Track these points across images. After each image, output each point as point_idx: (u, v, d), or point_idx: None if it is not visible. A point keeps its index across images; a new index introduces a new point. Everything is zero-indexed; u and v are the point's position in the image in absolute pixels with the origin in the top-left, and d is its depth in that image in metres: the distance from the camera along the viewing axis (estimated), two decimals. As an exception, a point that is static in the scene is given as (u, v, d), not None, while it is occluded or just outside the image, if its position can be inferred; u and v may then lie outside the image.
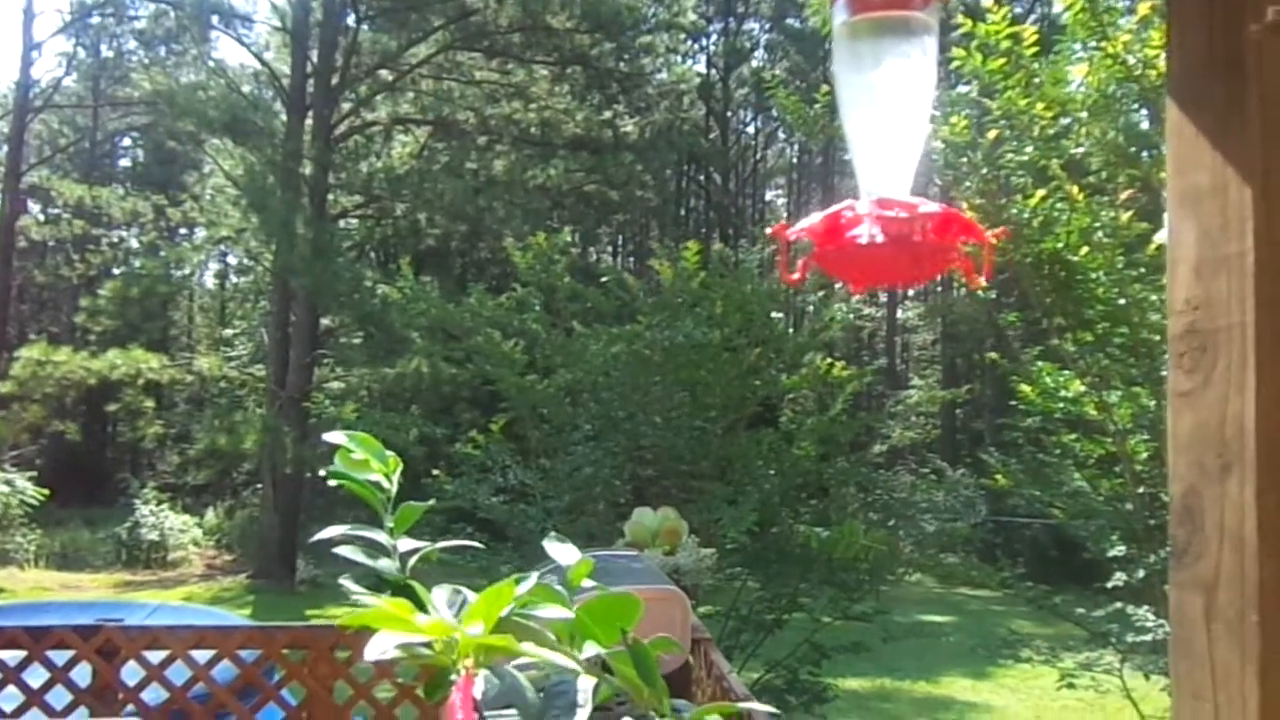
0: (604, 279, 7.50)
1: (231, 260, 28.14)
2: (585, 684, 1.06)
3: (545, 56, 18.80)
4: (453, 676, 0.83)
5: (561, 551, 1.53)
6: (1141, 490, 5.11)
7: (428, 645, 0.82)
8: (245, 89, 19.77)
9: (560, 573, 1.41)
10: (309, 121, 18.01)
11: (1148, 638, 4.55)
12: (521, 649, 0.84)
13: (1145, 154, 4.97)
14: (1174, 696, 0.79)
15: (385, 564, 1.18)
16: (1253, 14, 0.72)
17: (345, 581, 1.10)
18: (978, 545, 17.77)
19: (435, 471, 6.79)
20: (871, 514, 7.62)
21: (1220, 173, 0.75)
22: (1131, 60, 4.21)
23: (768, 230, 0.88)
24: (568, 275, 6.92)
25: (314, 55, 18.09)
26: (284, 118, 18.42)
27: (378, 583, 1.14)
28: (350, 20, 18.58)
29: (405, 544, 1.26)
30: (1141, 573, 4.86)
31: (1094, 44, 4.32)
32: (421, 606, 0.95)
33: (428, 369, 15.70)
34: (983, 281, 0.80)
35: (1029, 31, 4.37)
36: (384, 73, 18.94)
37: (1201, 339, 0.76)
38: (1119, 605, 4.96)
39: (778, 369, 7.24)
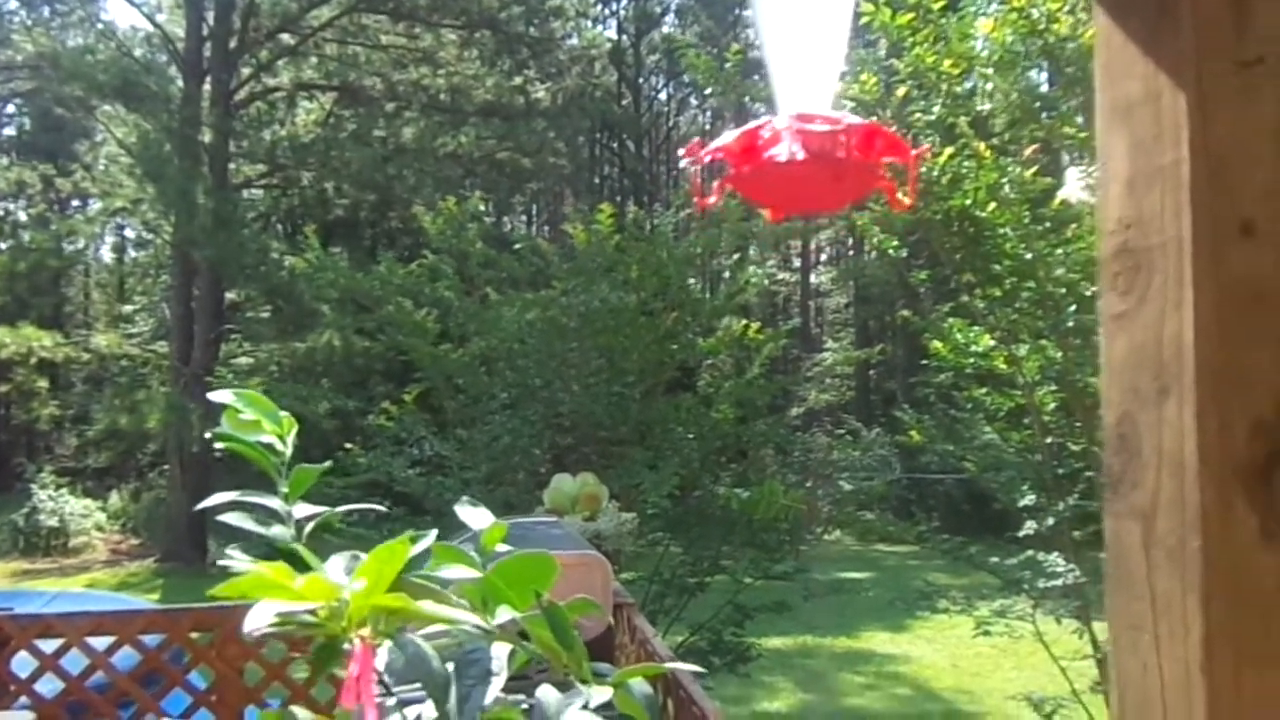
0: (517, 246, 7.37)
1: (129, 233, 27.06)
2: (499, 650, 0.99)
3: (453, 20, 18.39)
4: (346, 646, 0.76)
5: (474, 516, 1.45)
6: (1050, 440, 5.24)
7: (313, 613, 0.75)
8: (137, 52, 18.90)
9: (475, 539, 1.34)
10: (206, 87, 17.33)
11: (1058, 583, 4.67)
12: (419, 609, 0.77)
13: (1044, 114, 5.04)
14: (1111, 629, 0.76)
15: (279, 531, 1.09)
16: (1186, -93, 0.68)
17: (232, 552, 1.02)
18: (893, 502, 18.19)
19: (349, 445, 6.61)
20: (790, 475, 7.69)
21: (1152, 80, 0.71)
22: (1035, 14, 4.25)
23: (680, 151, 0.82)
24: (480, 242, 6.77)
25: (210, 17, 17.37)
26: (180, 83, 17.69)
27: (269, 551, 1.06)
28: (247, -19, 17.90)
29: (301, 510, 1.18)
30: (1051, 520, 4.99)
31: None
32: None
33: (339, 342, 15.35)
34: (907, 202, 0.75)
35: (937, -14, 4.38)
36: (285, 36, 18.30)
37: (1135, 257, 0.72)
38: (1030, 553, 5.09)
39: (694, 333, 7.22)
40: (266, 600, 0.70)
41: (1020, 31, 4.37)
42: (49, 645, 3.07)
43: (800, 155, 0.70)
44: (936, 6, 4.39)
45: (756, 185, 0.74)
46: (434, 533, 0.95)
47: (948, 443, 6.44)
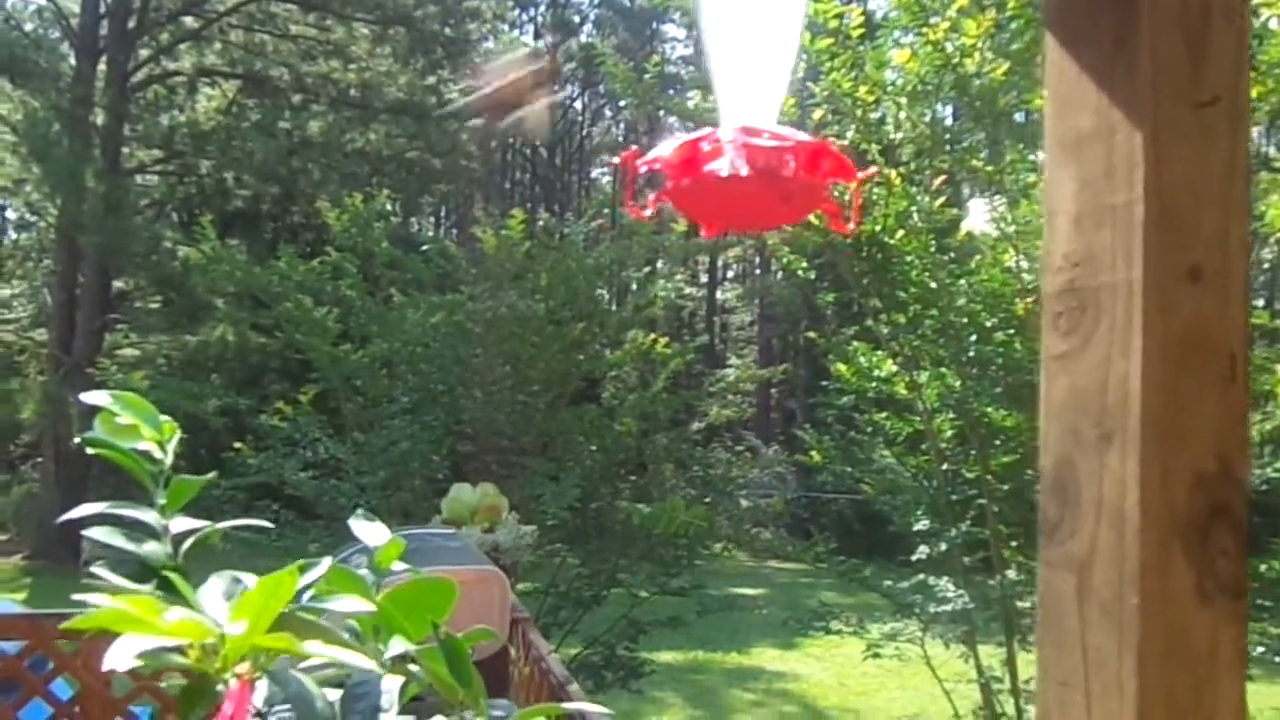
0: (425, 247, 7.22)
1: (10, 214, 25.71)
2: (390, 684, 0.92)
3: (366, 15, 18.00)
4: (220, 687, 0.68)
5: (369, 531, 1.37)
6: (945, 467, 5.34)
7: (181, 651, 0.67)
8: (28, 26, 17.99)
9: (368, 553, 1.25)
10: (101, 67, 16.59)
11: (948, 608, 4.76)
12: (304, 650, 0.70)
13: (950, 146, 5.16)
14: (1039, 681, 0.73)
15: (153, 548, 1.00)
16: (1146, -59, 0.66)
17: (99, 569, 0.92)
18: (787, 520, 18.43)
19: (238, 445, 6.35)
20: (690, 490, 7.69)
21: (1106, 115, 0.69)
22: (949, 48, 4.34)
23: (615, 159, 0.77)
24: (386, 241, 6.60)
25: (108, -5, 16.67)
26: (73, 61, 16.89)
27: (142, 570, 0.96)
28: (150, -41, 17.23)
29: (180, 524, 1.08)
30: (944, 545, 5.08)
31: (916, 30, 4.42)
32: (187, 601, 0.79)
33: (233, 336, 14.82)
34: (851, 227, 0.72)
35: (856, 13, 4.43)
36: (188, 19, 17.65)
37: (1081, 297, 0.70)
38: (922, 577, 5.17)
39: (601, 344, 7.18)
40: (129, 636, 0.62)
41: (934, 64, 4.45)
42: (-106, 652, 2.85)
43: (744, 171, 0.65)
44: (855, 34, 4.45)
45: (695, 199, 0.70)
46: (326, 561, 0.87)
47: (846, 464, 6.53)
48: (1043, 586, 0.72)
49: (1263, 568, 4.78)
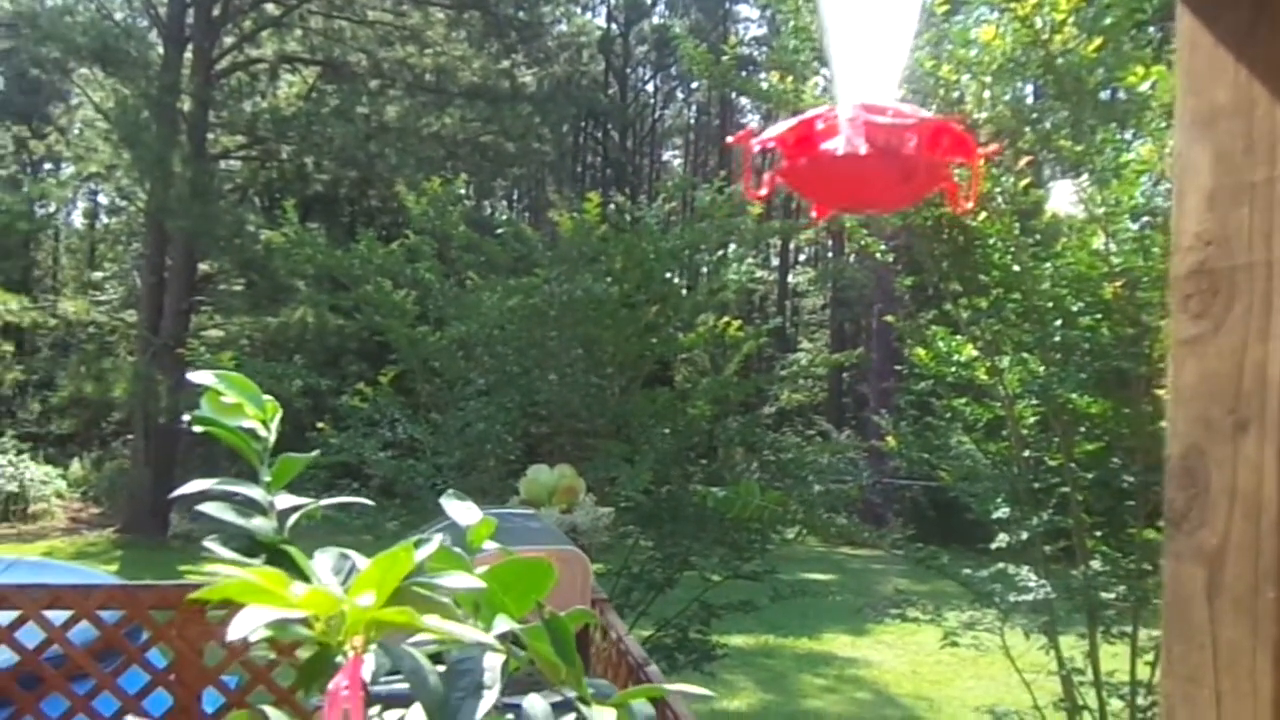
0: (500, 230, 7.28)
1: (102, 199, 26.63)
2: (493, 661, 0.93)
3: (442, 0, 18.18)
4: (339, 659, 0.69)
5: (461, 510, 1.39)
6: (1026, 454, 5.23)
7: (305, 623, 0.68)
8: (118, 16, 18.55)
9: (456, 531, 1.27)
10: (188, 55, 17.03)
11: (1029, 597, 4.66)
12: (424, 624, 0.71)
13: (1035, 125, 5.01)
14: (1163, 678, 0.71)
15: (260, 523, 1.02)
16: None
17: (211, 544, 0.95)
18: (860, 505, 18.24)
19: (320, 425, 6.50)
20: (762, 475, 7.65)
21: (1245, 88, 0.65)
22: (1039, 23, 4.21)
23: (729, 139, 0.76)
24: (462, 224, 6.67)
25: (194, -17, 17.08)
26: (160, 49, 17.37)
27: (251, 545, 0.98)
28: (234, -51, 17.61)
29: (284, 500, 1.10)
30: (1024, 534, 4.98)
31: (1003, 6, 4.30)
32: (301, 575, 0.81)
33: (313, 318, 15.16)
34: (970, 206, 0.70)
35: (941, -4, 4.33)
36: (270, 7, 18.02)
37: (1214, 279, 0.67)
38: (1001, 565, 5.07)
39: (675, 328, 7.17)
40: (256, 606, 0.63)
41: (1021, 40, 4.33)
42: (4, 616, 2.98)
43: (863, 149, 0.64)
44: (940, 10, 4.34)
45: (811, 179, 0.69)
46: (436, 539, 0.88)
47: (922, 450, 6.42)
48: (1169, 579, 0.70)
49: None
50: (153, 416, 15.64)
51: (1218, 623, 0.66)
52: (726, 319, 7.19)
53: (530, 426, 6.80)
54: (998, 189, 4.70)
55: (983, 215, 4.79)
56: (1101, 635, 4.91)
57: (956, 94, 4.86)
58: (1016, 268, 4.84)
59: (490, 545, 1.27)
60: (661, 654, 6.37)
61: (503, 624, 0.89)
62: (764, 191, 0.69)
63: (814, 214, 0.75)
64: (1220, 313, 0.67)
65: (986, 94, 4.77)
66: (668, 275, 7.03)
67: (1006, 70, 4.56)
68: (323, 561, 0.90)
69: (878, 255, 5.73)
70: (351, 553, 0.95)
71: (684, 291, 8.16)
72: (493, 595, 0.91)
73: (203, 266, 18.20)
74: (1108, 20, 4.15)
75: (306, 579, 0.80)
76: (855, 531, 5.59)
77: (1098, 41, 4.17)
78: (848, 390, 27.77)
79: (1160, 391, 4.97)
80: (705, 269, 8.53)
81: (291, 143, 17.81)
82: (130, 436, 18.24)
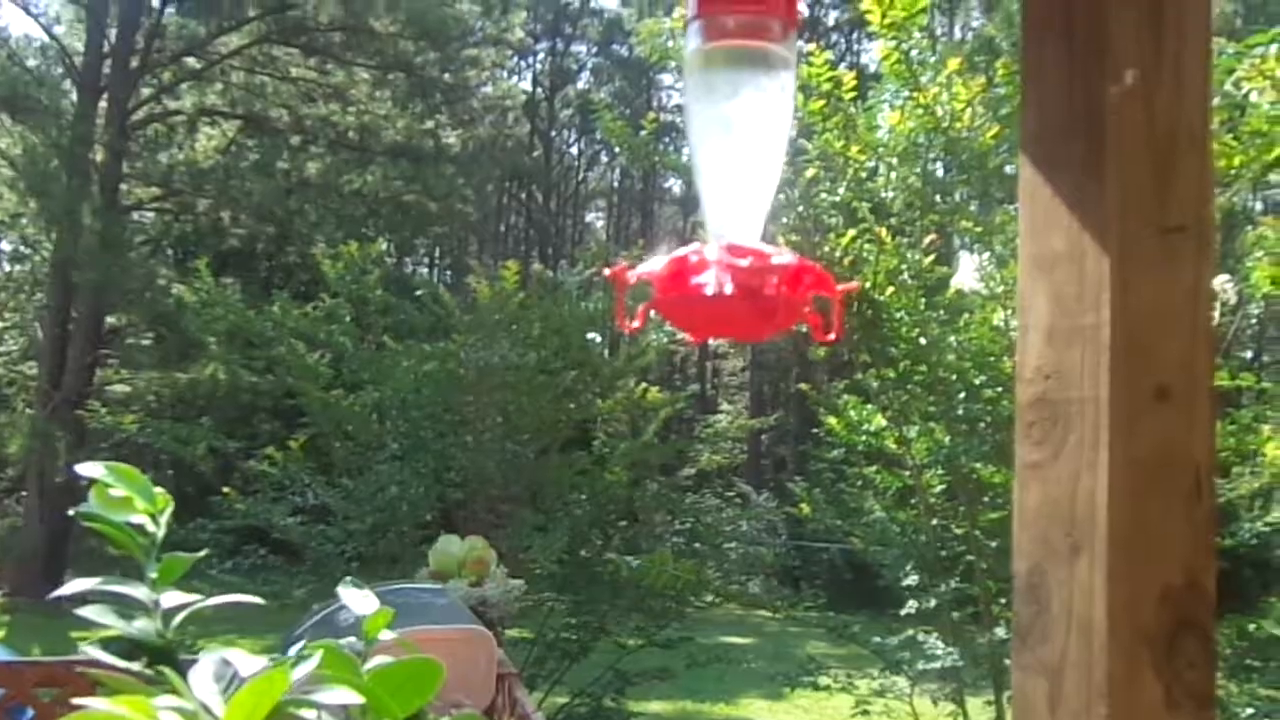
0: (419, 292, 7.25)
1: (4, 245, 25.73)
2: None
3: (367, 59, 18.22)
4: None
5: (358, 599, 1.38)
6: (935, 522, 5.35)
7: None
8: (30, 63, 18.16)
9: (351, 614, 1.26)
10: (103, 104, 16.73)
11: (936, 665, 4.74)
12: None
13: (940, 199, 5.23)
14: (1015, 784, 0.74)
15: (143, 626, 1.01)
16: (1112, 75, 0.70)
17: (89, 649, 0.93)
18: (777, 569, 18.32)
19: (226, 489, 6.33)
20: (680, 540, 7.66)
21: (1076, 239, 0.72)
22: (940, 111, 4.41)
23: (606, 272, 0.80)
24: (380, 287, 6.64)
25: (112, 35, 16.84)
26: (74, 98, 17.03)
27: (131, 649, 0.97)
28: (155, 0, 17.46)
29: (171, 598, 1.09)
30: (933, 601, 5.08)
31: (906, 94, 4.50)
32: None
33: (225, 375, 14.79)
34: (832, 338, 0.74)
35: (848, 77, 4.52)
36: (191, 60, 17.84)
37: (1053, 409, 0.73)
38: (911, 633, 5.15)
39: (594, 393, 7.20)
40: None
41: (925, 126, 4.53)
42: None
43: (728, 289, 0.68)
44: (847, 97, 4.53)
45: (682, 312, 0.73)
46: (316, 658, 0.88)
47: (836, 516, 6.53)
48: (1017, 690, 0.74)
49: (1251, 627, 4.78)
50: (49, 474, 15.02)
51: (1059, 734, 0.70)
52: (645, 384, 7.25)
53: (445, 492, 6.72)
54: (904, 265, 4.87)
55: (890, 290, 4.95)
56: (1008, 701, 5.00)
57: (865, 174, 5.05)
58: (923, 340, 5.00)
59: (387, 635, 1.26)
60: (575, 724, 6.29)
61: (384, 732, 0.89)
62: (636, 324, 0.73)
63: (690, 340, 0.78)
64: (1058, 441, 0.72)
65: (894, 174, 4.97)
66: (587, 340, 7.07)
67: (911, 152, 4.76)
68: (205, 668, 0.89)
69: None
70: (235, 654, 0.95)
71: (605, 355, 8.21)
72: (378, 702, 0.91)
73: (110, 319, 17.69)
74: (1004, 110, 4.37)
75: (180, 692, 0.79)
76: (767, 602, 5.62)
77: (995, 129, 4.39)
78: (767, 452, 28.05)
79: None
80: (625, 334, 8.60)
81: (208, 196, 17.54)
82: (24, 494, 17.47)
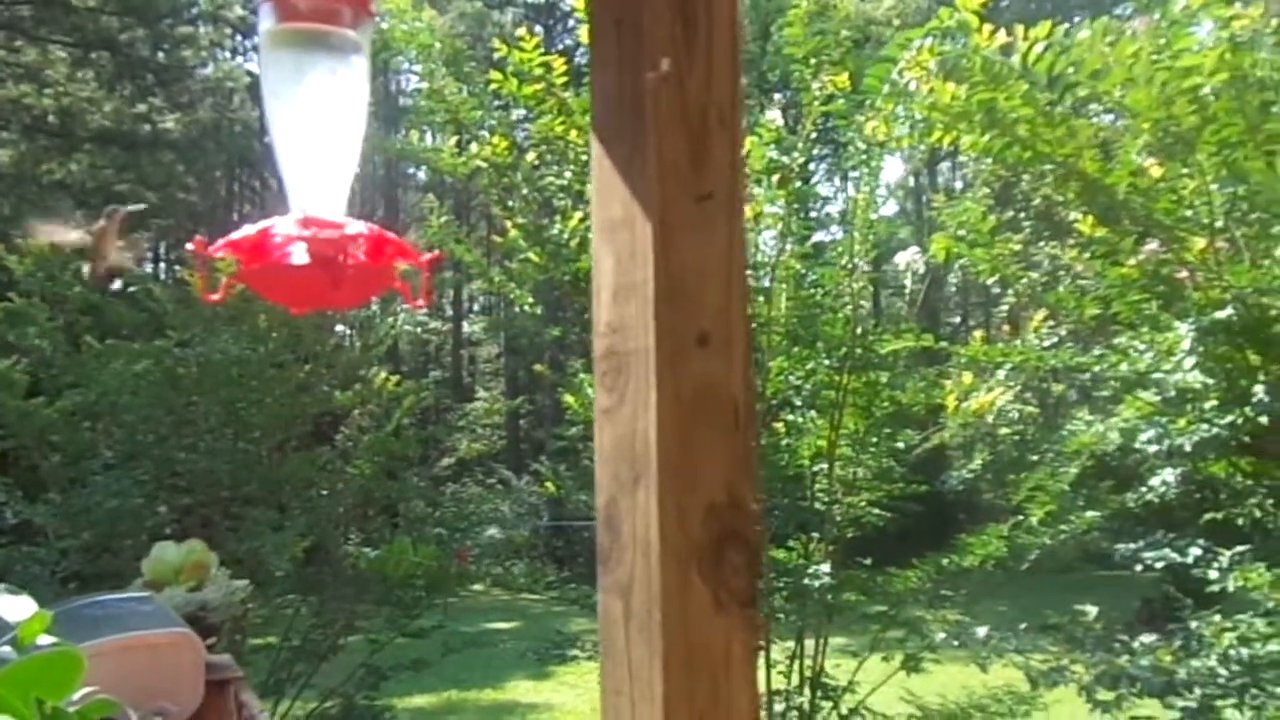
0: (131, 288, 6.74)
1: None
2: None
3: (64, 36, 16.62)
4: None
5: (11, 605, 1.32)
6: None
7: None
8: None
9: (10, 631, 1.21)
10: None
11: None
12: None
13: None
14: (601, 694, 0.84)
15: None
16: (650, 61, 0.79)
17: None
18: (540, 550, 18.51)
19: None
20: (438, 528, 7.59)
21: (629, 206, 0.81)
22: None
23: (188, 246, 0.82)
24: (79, 284, 6.12)
25: None
26: None
27: None
28: None
29: None
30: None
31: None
32: None
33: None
34: (422, 304, 0.80)
35: (559, 62, 4.62)
36: None
37: (618, 360, 0.82)
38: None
39: (330, 385, 6.97)
40: None
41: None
42: None
43: (304, 259, 0.72)
44: (559, 82, 4.63)
45: (266, 282, 0.76)
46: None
47: (584, 493, 6.70)
48: (601, 611, 0.83)
49: (945, 561, 5.34)
50: None
51: (630, 644, 0.80)
52: (384, 374, 7.10)
53: (174, 499, 6.32)
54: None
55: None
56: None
57: (585, 157, 5.20)
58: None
59: (45, 640, 1.22)
60: (326, 726, 6.12)
61: (-1, 728, 0.87)
62: (216, 296, 0.76)
63: (292, 311, 0.82)
64: (623, 388, 0.81)
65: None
66: (323, 332, 6.84)
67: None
68: None
69: (526, 308, 5.94)
70: None
71: (347, 345, 7.97)
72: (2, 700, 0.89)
73: None
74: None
75: None
76: (511, 580, 5.70)
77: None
78: (526, 437, 28.19)
79: (778, 425, 5.54)
80: (356, 326, 8.38)
81: (-127, 190, 15.47)
82: None
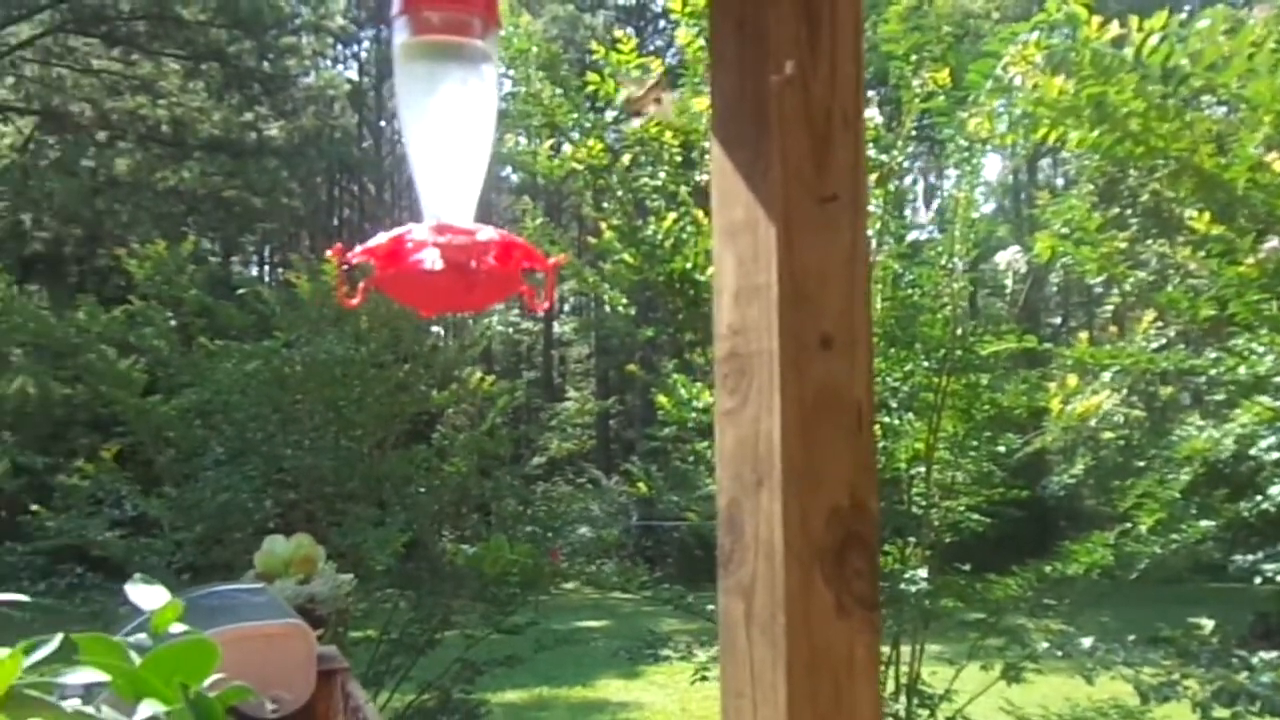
0: (240, 291, 7.01)
1: None
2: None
3: (176, 49, 17.34)
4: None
5: (145, 594, 1.38)
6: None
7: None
8: None
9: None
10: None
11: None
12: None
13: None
14: (722, 696, 0.84)
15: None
16: (774, 65, 0.79)
17: None
18: (629, 550, 18.60)
19: (35, 507, 5.98)
20: (530, 526, 7.70)
21: (752, 209, 0.81)
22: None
23: (328, 252, 0.85)
24: (194, 287, 6.38)
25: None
26: None
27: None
28: (-68, -11, 16.12)
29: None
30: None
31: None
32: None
33: (34, 389, 13.88)
34: (546, 306, 0.82)
35: (656, 63, 4.63)
36: (-24, 52, 16.58)
37: (740, 362, 0.82)
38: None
39: (428, 384, 7.14)
40: None
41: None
42: None
43: (439, 265, 0.74)
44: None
45: (401, 287, 0.79)
46: (58, 637, 0.90)
47: (674, 493, 6.71)
48: (721, 612, 0.83)
49: (1047, 569, 5.19)
50: None
51: (753, 645, 0.80)
52: (480, 374, 7.24)
53: (280, 494, 6.55)
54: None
55: (710, 270, 5.13)
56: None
57: (681, 159, 5.20)
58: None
59: (178, 628, 1.27)
60: (424, 717, 6.26)
61: (146, 709, 0.91)
62: (356, 300, 0.79)
63: (421, 314, 0.84)
64: (745, 390, 0.82)
65: (706, 158, 5.13)
66: (420, 331, 7.00)
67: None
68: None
69: (620, 309, 5.97)
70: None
71: (443, 346, 8.14)
72: (142, 682, 0.94)
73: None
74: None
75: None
76: (604, 578, 5.74)
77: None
78: (616, 437, 28.35)
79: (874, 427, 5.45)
80: (469, 323, 8.54)
81: (4, 198, 16.35)
82: None
